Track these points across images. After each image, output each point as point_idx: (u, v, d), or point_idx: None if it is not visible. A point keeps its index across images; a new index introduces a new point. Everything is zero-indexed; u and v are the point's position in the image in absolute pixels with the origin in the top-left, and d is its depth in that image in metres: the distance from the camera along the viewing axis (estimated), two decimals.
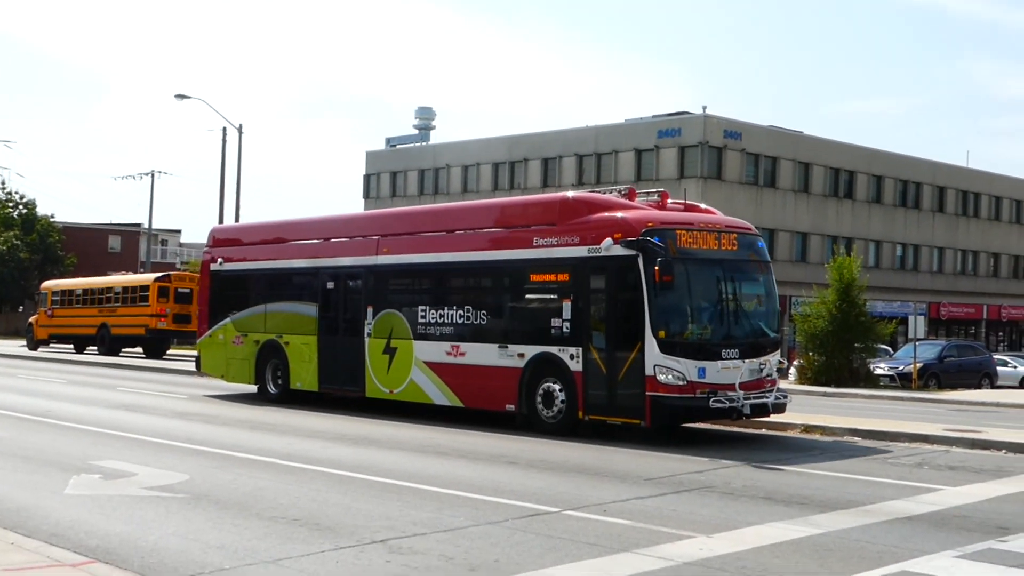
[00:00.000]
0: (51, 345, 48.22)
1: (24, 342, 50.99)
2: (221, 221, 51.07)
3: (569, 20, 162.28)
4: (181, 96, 49.13)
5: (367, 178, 76.33)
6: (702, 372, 15.31)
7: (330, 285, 20.89)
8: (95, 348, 44.39)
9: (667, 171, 57.19)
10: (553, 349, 16.57)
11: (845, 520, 9.99)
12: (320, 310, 21.01)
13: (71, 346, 46.94)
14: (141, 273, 49.10)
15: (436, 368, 18.52)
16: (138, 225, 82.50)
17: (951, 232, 72.94)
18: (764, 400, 15.98)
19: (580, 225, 16.51)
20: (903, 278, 68.34)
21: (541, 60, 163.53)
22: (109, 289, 45.29)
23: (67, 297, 47.49)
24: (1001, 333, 77.68)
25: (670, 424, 16.27)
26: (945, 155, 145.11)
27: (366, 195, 75.81)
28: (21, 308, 71.18)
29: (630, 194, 17.17)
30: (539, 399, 16.81)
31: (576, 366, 16.18)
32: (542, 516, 9.94)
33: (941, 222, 72.16)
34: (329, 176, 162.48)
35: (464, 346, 18.09)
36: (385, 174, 74.98)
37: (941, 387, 34.07)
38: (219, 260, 23.67)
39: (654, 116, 61.79)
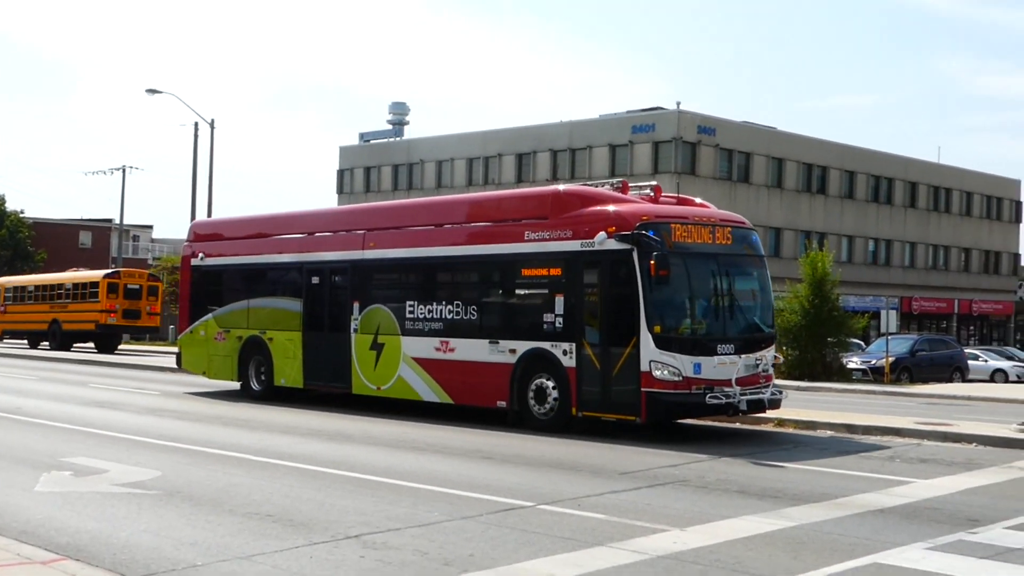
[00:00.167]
0: (5, 340, 48.66)
1: None
2: (193, 217, 50.81)
3: (544, 15, 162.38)
4: (152, 91, 48.82)
5: (341, 173, 76.12)
6: (698, 368, 15.14)
7: (315, 280, 20.67)
8: (47, 343, 45.02)
9: (641, 167, 57.34)
10: (545, 345, 16.38)
11: (818, 513, 10.05)
12: (305, 305, 20.78)
13: (25, 341, 47.53)
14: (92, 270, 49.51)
15: (425, 364, 18.32)
16: (109, 221, 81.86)
17: (923, 227, 73.54)
18: (760, 396, 15.83)
19: (573, 219, 16.33)
20: (875, 273, 68.85)
21: (515, 55, 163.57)
22: (60, 285, 45.91)
23: (20, 293, 48.01)
24: (972, 327, 78.42)
25: (665, 420, 16.09)
26: (917, 151, 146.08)
27: (339, 190, 75.62)
28: None
29: (623, 187, 16.92)
30: (531, 395, 16.62)
31: (569, 362, 16.01)
32: (517, 511, 9.94)
33: (913, 217, 72.73)
34: (302, 171, 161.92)
35: (454, 342, 17.87)
36: (359, 169, 74.82)
37: (913, 381, 34.34)
38: (200, 255, 23.39)
39: (628, 112, 61.97)
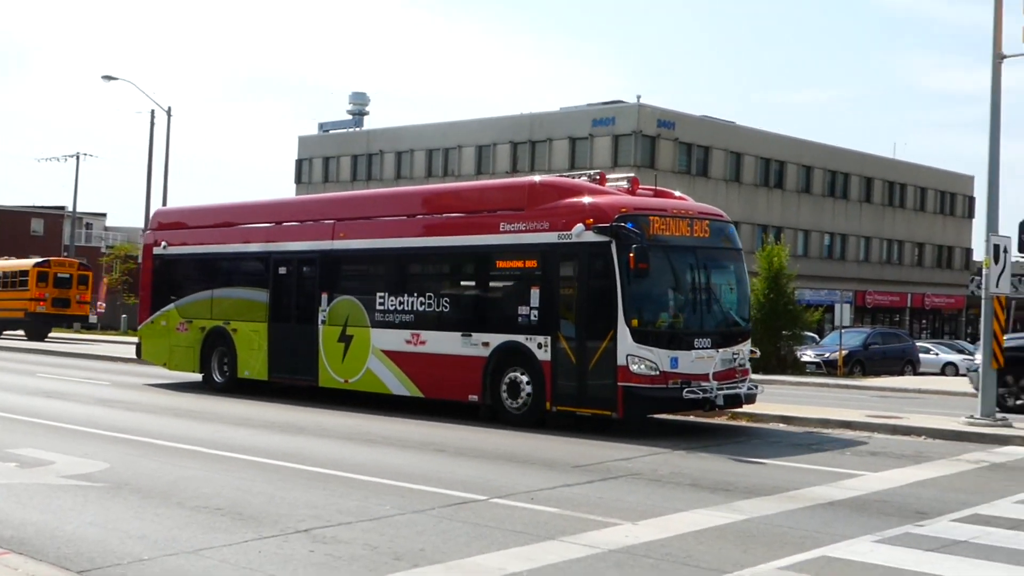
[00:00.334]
0: None
1: None
2: (148, 205, 50.20)
3: (505, 6, 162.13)
4: (108, 77, 48.18)
5: (299, 163, 75.64)
6: (675, 362, 14.98)
7: (282, 270, 20.34)
8: None
9: (601, 160, 57.44)
10: (520, 338, 16.11)
11: (769, 506, 10.10)
12: (271, 296, 20.45)
13: None
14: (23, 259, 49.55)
15: (395, 357, 18.02)
16: (62, 208, 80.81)
17: (877, 222, 74.33)
18: (737, 391, 15.68)
19: (550, 210, 16.07)
20: (830, 267, 69.49)
21: (477, 47, 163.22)
22: None
23: None
24: (924, 321, 79.41)
25: (642, 415, 15.78)
26: (873, 146, 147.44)
27: (298, 180, 75.15)
28: None
29: (601, 179, 16.67)
30: (504, 390, 16.34)
31: (544, 355, 15.75)
32: (469, 504, 9.91)
33: (868, 212, 73.48)
34: (260, 161, 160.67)
35: (425, 334, 17.58)
36: (318, 159, 74.39)
37: (866, 374, 34.72)
38: (163, 243, 22.96)
39: (588, 105, 62.07)
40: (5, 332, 45.52)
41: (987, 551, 8.36)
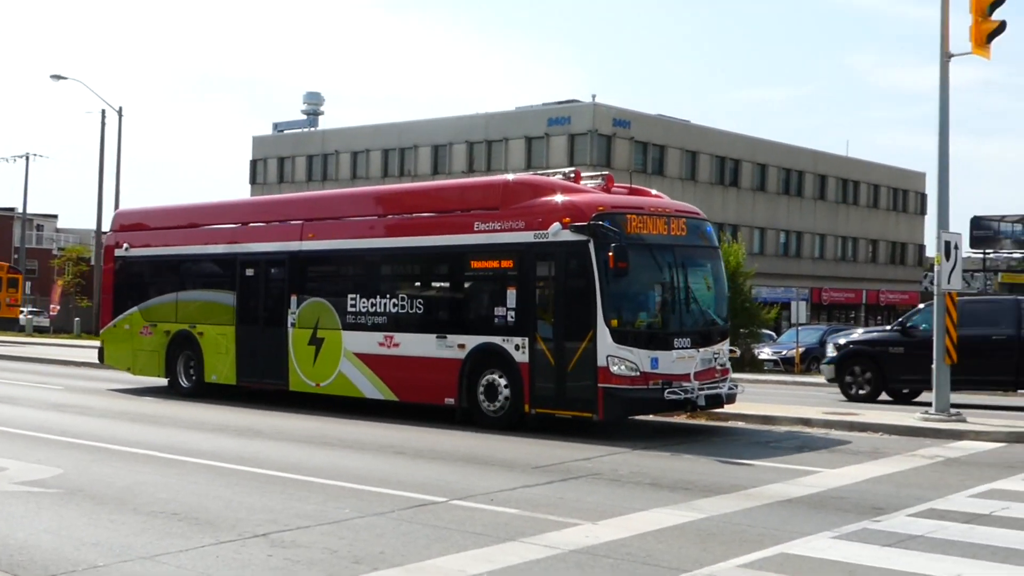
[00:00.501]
0: None
1: None
2: (101, 206, 49.66)
3: (460, 5, 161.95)
4: (57, 76, 47.60)
5: (254, 163, 75.13)
6: (655, 362, 14.75)
7: (249, 272, 19.95)
8: None
9: (557, 159, 57.56)
10: (496, 339, 15.84)
11: (728, 504, 10.14)
12: (238, 299, 20.04)
13: None
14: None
15: (367, 360, 17.68)
16: (12, 209, 79.63)
17: (832, 219, 75.12)
18: (718, 390, 15.51)
19: (525, 209, 15.82)
20: (786, 264, 70.14)
21: (431, 46, 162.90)
22: None
23: None
24: (880, 317, 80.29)
25: (623, 417, 15.64)
26: (826, 144, 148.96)
27: (252, 181, 74.64)
28: None
29: (576, 177, 16.48)
30: (481, 392, 16.04)
31: (522, 357, 15.47)
32: (429, 506, 9.87)
33: (823, 209, 74.24)
34: (214, 161, 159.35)
35: (399, 336, 17.26)
36: (272, 159, 73.94)
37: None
38: (125, 245, 22.49)
39: (544, 104, 62.22)
40: None
41: (943, 545, 8.45)
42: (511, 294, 15.85)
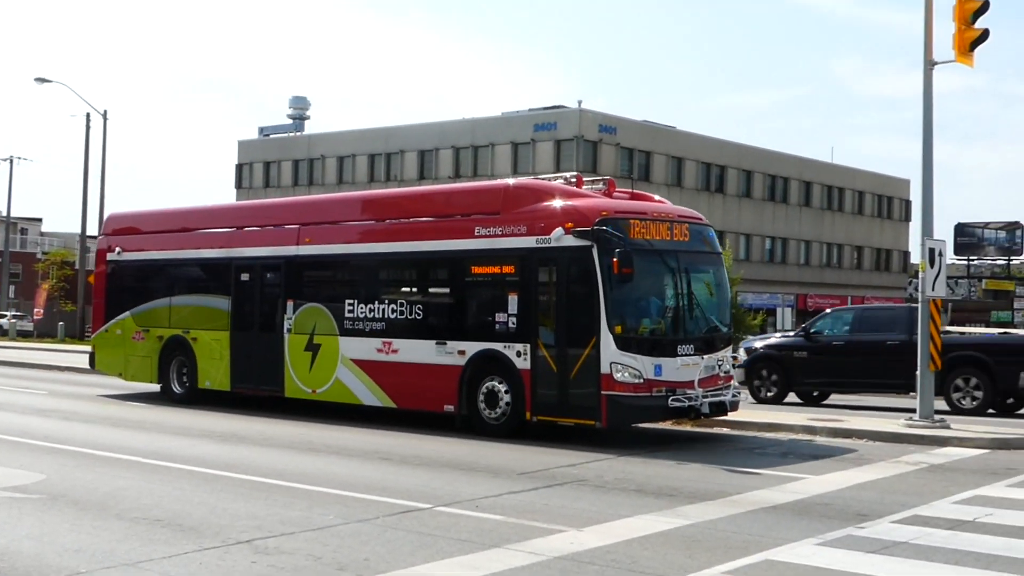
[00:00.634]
0: None
1: None
2: (85, 210, 49.49)
3: (446, 10, 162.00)
4: (42, 79, 47.42)
5: (239, 168, 74.96)
6: (658, 369, 14.60)
7: (244, 277, 19.75)
8: None
9: (543, 165, 57.62)
10: (497, 346, 15.68)
11: (713, 511, 10.15)
12: (233, 304, 19.81)
13: None
14: None
15: (365, 366, 17.49)
16: None
17: (817, 226, 75.38)
18: (722, 398, 15.35)
19: (527, 214, 15.64)
20: (772, 270, 70.34)
21: (418, 51, 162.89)
22: None
23: None
24: None
25: (626, 425, 15.49)
26: (811, 150, 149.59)
27: (238, 185, 74.46)
28: None
29: (577, 181, 16.30)
30: (482, 399, 15.86)
31: (523, 364, 15.30)
32: (414, 513, 9.85)
33: (808, 216, 74.49)
34: (199, 165, 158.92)
35: (397, 343, 17.07)
36: (258, 164, 73.79)
37: None
38: (117, 249, 22.24)
39: (530, 110, 62.27)
40: None
41: (927, 552, 8.48)
42: (512, 300, 15.68)
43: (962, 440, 15.72)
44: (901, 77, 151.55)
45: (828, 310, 25.80)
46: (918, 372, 17.13)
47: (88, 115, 49.78)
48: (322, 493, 10.77)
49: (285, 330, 18.79)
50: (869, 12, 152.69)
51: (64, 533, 8.79)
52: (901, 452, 14.88)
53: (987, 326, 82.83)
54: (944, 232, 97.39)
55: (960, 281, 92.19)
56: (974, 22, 16.94)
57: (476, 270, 16.47)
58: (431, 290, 17.47)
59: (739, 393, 16.00)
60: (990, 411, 21.10)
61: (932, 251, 17.04)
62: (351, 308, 17.85)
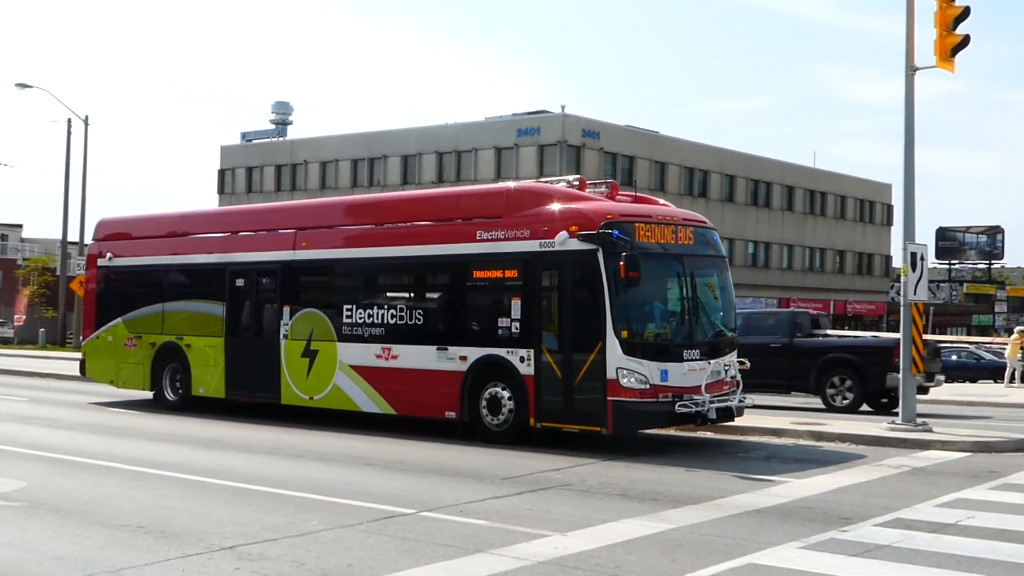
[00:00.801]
0: None
1: None
2: (66, 216, 49.30)
3: (429, 15, 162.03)
4: (22, 85, 47.20)
5: (222, 173, 74.78)
6: (665, 374, 14.41)
7: (239, 282, 19.51)
8: None
9: (527, 169, 57.68)
10: (500, 351, 15.43)
11: (696, 515, 10.17)
12: (228, 309, 19.53)
13: None
14: None
15: (364, 372, 17.23)
16: None
17: (800, 230, 75.71)
18: (729, 403, 15.15)
19: (530, 217, 15.43)
20: (755, 275, 70.57)
21: (401, 57, 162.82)
22: None
23: None
24: (847, 327, 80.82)
25: (632, 431, 15.33)
26: (794, 155, 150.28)
27: (220, 191, 74.29)
28: None
29: (581, 185, 16.16)
30: (484, 406, 15.63)
31: (527, 369, 15.08)
32: (398, 518, 9.83)
33: (790, 220, 74.80)
34: (182, 171, 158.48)
35: (397, 348, 16.83)
36: (240, 169, 73.63)
37: None
38: (108, 254, 22.00)
39: (514, 115, 62.34)
40: None
41: (909, 555, 8.52)
42: (515, 305, 15.46)
43: (944, 443, 15.80)
44: (883, 83, 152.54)
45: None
46: (900, 375, 17.20)
47: (69, 121, 49.59)
48: (306, 499, 10.74)
49: (281, 336, 18.58)
50: (852, 19, 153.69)
51: (45, 541, 8.73)
52: (883, 455, 14.94)
53: (968, 331, 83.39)
54: (926, 236, 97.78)
55: (942, 285, 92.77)
56: (955, 28, 17.06)
57: (478, 274, 16.25)
58: (432, 295, 17.34)
59: (745, 398, 15.90)
60: (866, 409, 22.50)
61: (914, 255, 17.12)
62: (349, 313, 17.66)
